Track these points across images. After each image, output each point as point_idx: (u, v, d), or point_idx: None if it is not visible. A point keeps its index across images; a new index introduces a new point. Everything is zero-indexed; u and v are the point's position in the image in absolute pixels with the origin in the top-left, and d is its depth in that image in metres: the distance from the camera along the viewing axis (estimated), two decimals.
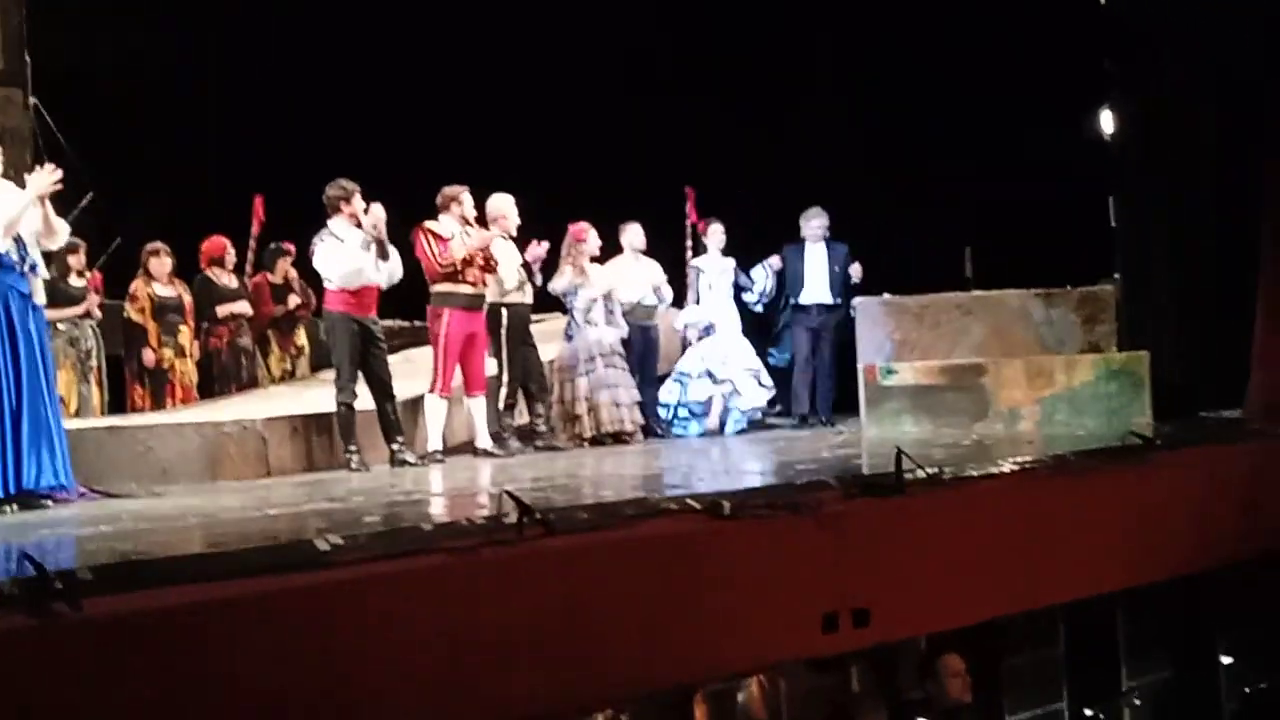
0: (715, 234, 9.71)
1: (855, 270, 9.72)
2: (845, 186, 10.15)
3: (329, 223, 7.71)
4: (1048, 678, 7.03)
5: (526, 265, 8.41)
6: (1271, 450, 7.13)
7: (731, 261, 9.75)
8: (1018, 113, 10.26)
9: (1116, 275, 9.41)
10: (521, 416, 8.61)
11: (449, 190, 8.16)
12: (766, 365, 9.82)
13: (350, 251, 7.60)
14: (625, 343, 9.08)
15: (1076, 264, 9.60)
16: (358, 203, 7.68)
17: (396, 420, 7.76)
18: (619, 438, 8.76)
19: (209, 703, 3.59)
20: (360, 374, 7.62)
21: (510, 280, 8.37)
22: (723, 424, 9.59)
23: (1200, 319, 8.91)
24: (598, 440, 8.69)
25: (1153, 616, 6.80)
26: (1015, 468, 6.09)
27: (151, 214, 10.24)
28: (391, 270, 7.79)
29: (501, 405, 8.45)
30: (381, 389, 7.69)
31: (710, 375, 9.52)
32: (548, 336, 9.11)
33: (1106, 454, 6.51)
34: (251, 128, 11.17)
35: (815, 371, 9.80)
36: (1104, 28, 9.50)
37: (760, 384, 9.66)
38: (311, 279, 8.81)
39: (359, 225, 7.66)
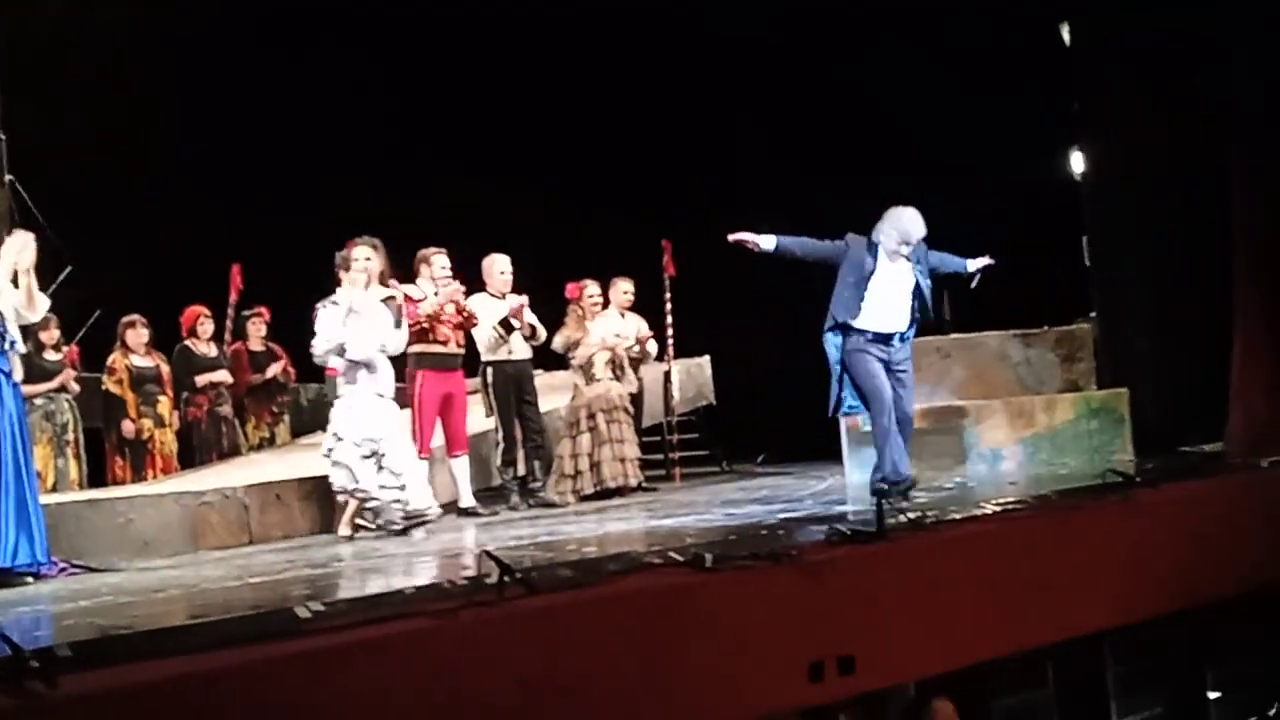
0: (356, 261, 7.22)
1: (972, 265, 7.32)
2: (817, 229, 10.14)
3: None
4: (1038, 719, 7.00)
5: (505, 322, 8.40)
6: (1253, 483, 7.14)
7: (381, 293, 7.46)
8: (990, 155, 10.35)
9: (1093, 314, 9.46)
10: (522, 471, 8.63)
11: (421, 252, 8.21)
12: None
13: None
14: (634, 396, 9.11)
15: (1053, 304, 9.66)
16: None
17: None
18: (621, 492, 8.75)
19: None
20: None
21: (485, 338, 8.37)
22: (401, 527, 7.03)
23: (1178, 354, 8.95)
24: (601, 495, 8.67)
25: (1141, 654, 6.77)
26: (998, 509, 6.09)
27: (129, 286, 10.26)
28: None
29: (499, 462, 8.48)
30: None
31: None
32: (561, 390, 9.11)
33: (1088, 492, 6.52)
34: (227, 197, 11.22)
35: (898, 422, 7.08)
36: (1071, 68, 9.58)
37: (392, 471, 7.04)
38: (290, 345, 8.83)
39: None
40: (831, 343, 7.12)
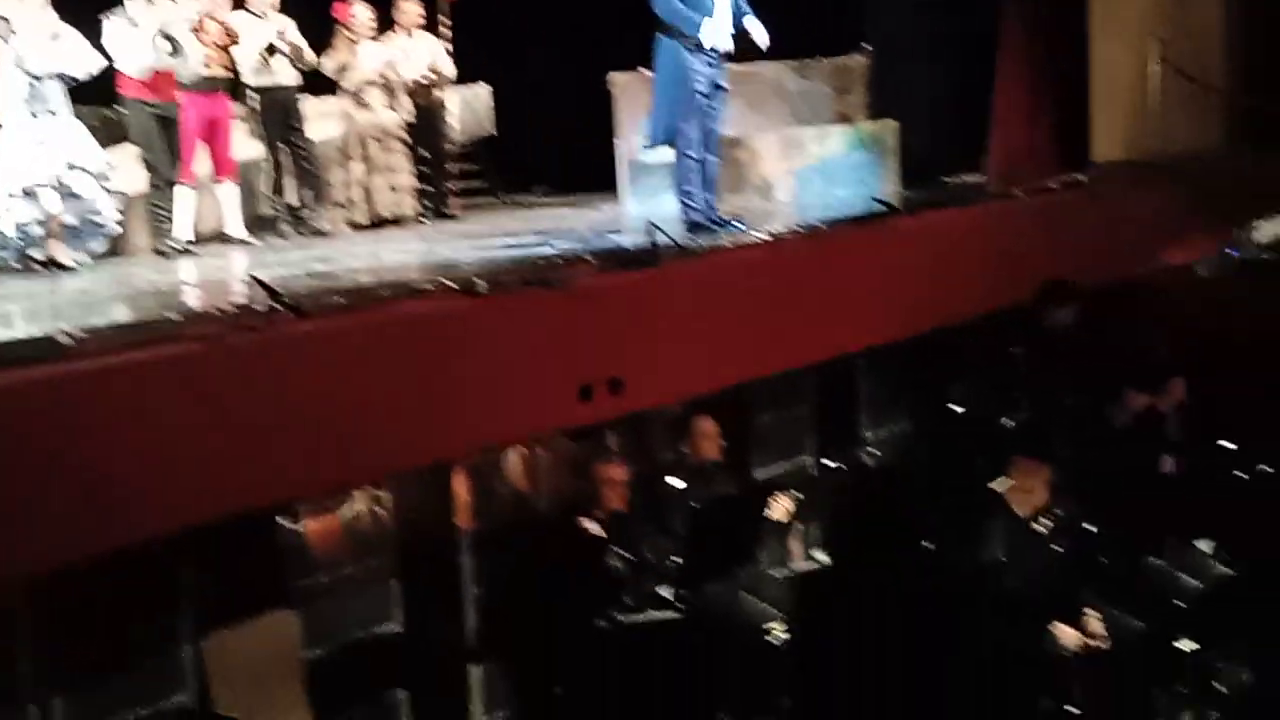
0: None
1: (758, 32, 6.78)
2: None
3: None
4: (794, 434, 7.38)
5: (270, 46, 8.05)
6: (1007, 211, 7.49)
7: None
8: None
9: (866, 45, 9.54)
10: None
11: None
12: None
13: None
14: (410, 125, 8.88)
15: (828, 36, 9.69)
16: None
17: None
18: (397, 222, 8.64)
19: None
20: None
21: (247, 62, 8.04)
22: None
23: (947, 87, 9.11)
24: (376, 225, 8.55)
25: (892, 373, 7.14)
26: (766, 238, 6.26)
27: None
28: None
29: (271, 191, 8.32)
30: None
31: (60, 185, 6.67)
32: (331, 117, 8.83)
33: (852, 222, 6.75)
34: None
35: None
36: None
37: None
38: None
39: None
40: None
